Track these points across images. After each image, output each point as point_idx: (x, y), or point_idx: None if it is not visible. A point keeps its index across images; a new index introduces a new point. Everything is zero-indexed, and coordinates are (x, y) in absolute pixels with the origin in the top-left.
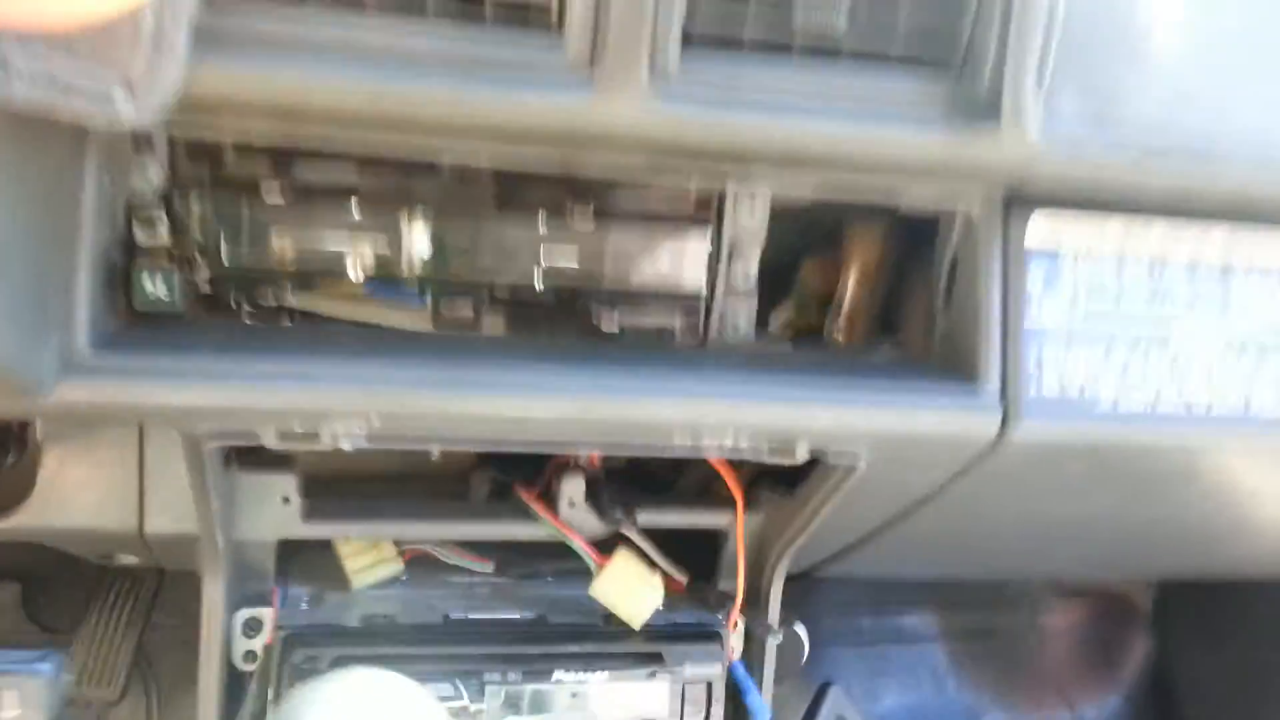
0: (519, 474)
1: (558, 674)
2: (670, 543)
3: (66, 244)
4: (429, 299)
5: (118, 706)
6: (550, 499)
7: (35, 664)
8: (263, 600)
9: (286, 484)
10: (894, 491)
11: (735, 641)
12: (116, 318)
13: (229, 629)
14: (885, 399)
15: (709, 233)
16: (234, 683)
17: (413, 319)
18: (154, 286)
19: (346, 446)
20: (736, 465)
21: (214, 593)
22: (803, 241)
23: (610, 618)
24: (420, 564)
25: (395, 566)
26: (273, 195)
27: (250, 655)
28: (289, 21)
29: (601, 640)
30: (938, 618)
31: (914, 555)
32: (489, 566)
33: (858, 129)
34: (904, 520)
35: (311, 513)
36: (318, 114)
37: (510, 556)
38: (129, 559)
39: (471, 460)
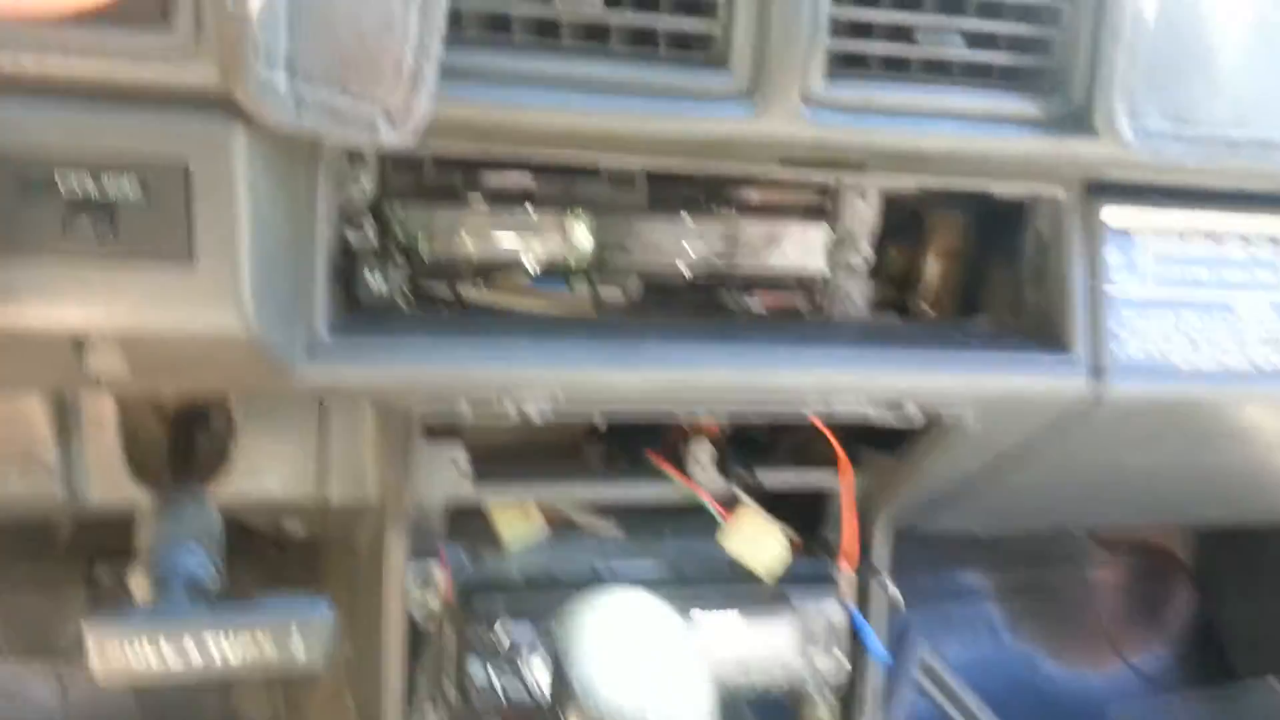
0: (632, 443)
1: (694, 613)
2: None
3: (306, 246)
4: (587, 288)
5: None
6: (677, 463)
7: (310, 607)
8: (429, 560)
9: (458, 451)
10: (989, 449)
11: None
12: (343, 311)
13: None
14: (989, 365)
15: (828, 223)
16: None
17: (576, 306)
18: (375, 282)
19: (535, 417)
20: (837, 429)
21: (397, 552)
22: (884, 227)
23: (735, 568)
24: (558, 528)
25: (541, 529)
26: (466, 201)
27: (425, 608)
28: (503, 57)
29: (732, 585)
30: (991, 575)
31: (997, 509)
32: (619, 527)
33: (969, 137)
34: (993, 476)
35: (477, 478)
36: (521, 133)
37: (631, 520)
38: (299, 530)
39: (581, 433)
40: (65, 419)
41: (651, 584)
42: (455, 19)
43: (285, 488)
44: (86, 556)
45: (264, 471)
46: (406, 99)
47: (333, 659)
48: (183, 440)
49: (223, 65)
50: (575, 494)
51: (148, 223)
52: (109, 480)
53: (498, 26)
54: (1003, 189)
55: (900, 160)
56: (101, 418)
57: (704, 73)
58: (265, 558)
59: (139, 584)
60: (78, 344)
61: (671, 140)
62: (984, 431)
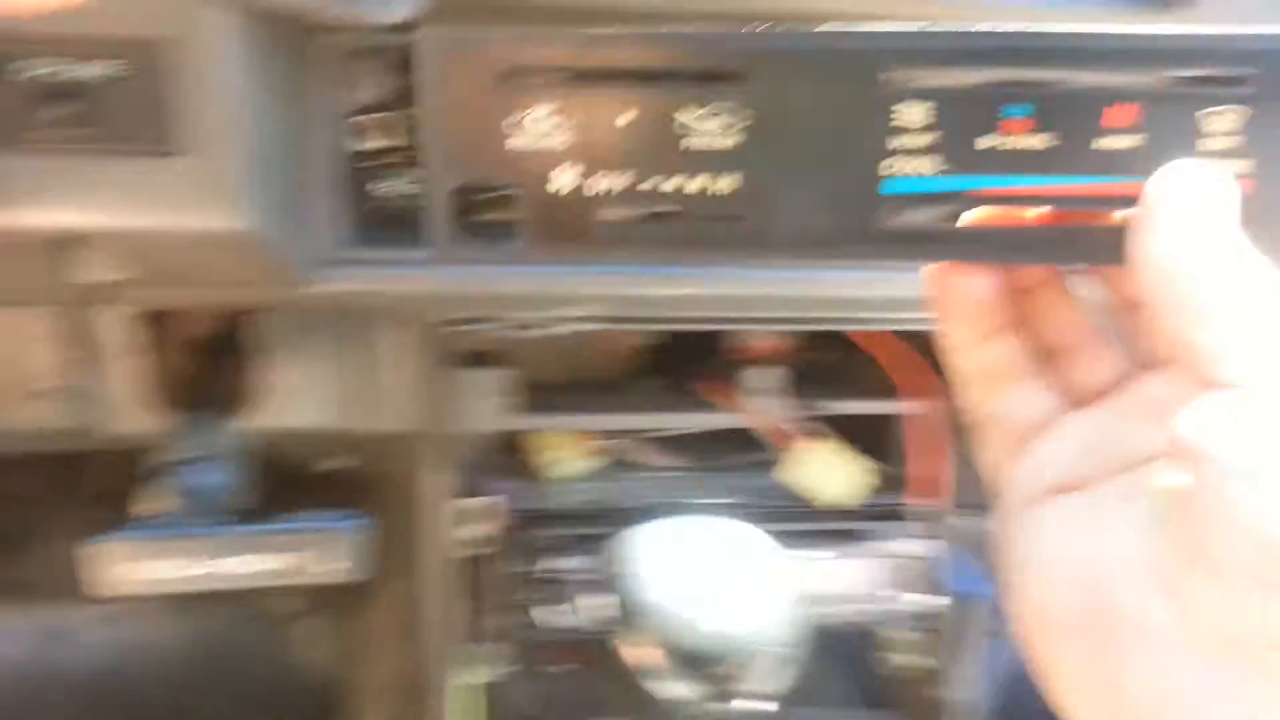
0: (686, 370)
1: (764, 544)
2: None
3: (307, 146)
4: None
5: None
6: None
7: (349, 521)
8: (475, 492)
9: (503, 378)
10: None
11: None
12: (356, 218)
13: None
14: None
15: None
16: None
17: None
18: (387, 186)
19: (573, 329)
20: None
21: (437, 484)
22: None
23: (804, 501)
24: (614, 458)
25: (592, 460)
26: None
27: (467, 542)
28: None
29: (802, 518)
30: None
31: None
32: (683, 461)
33: None
34: None
35: (520, 407)
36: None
37: (690, 451)
38: (334, 463)
39: (633, 360)
40: (80, 342)
41: (714, 515)
42: None
43: (318, 417)
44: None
45: (295, 400)
46: None
47: (376, 582)
48: (208, 368)
49: None
50: (628, 422)
51: (125, 108)
52: (129, 409)
53: None
54: None
55: None
56: (119, 341)
57: None
58: (311, 492)
59: (148, 504)
60: (58, 246)
61: None
62: None
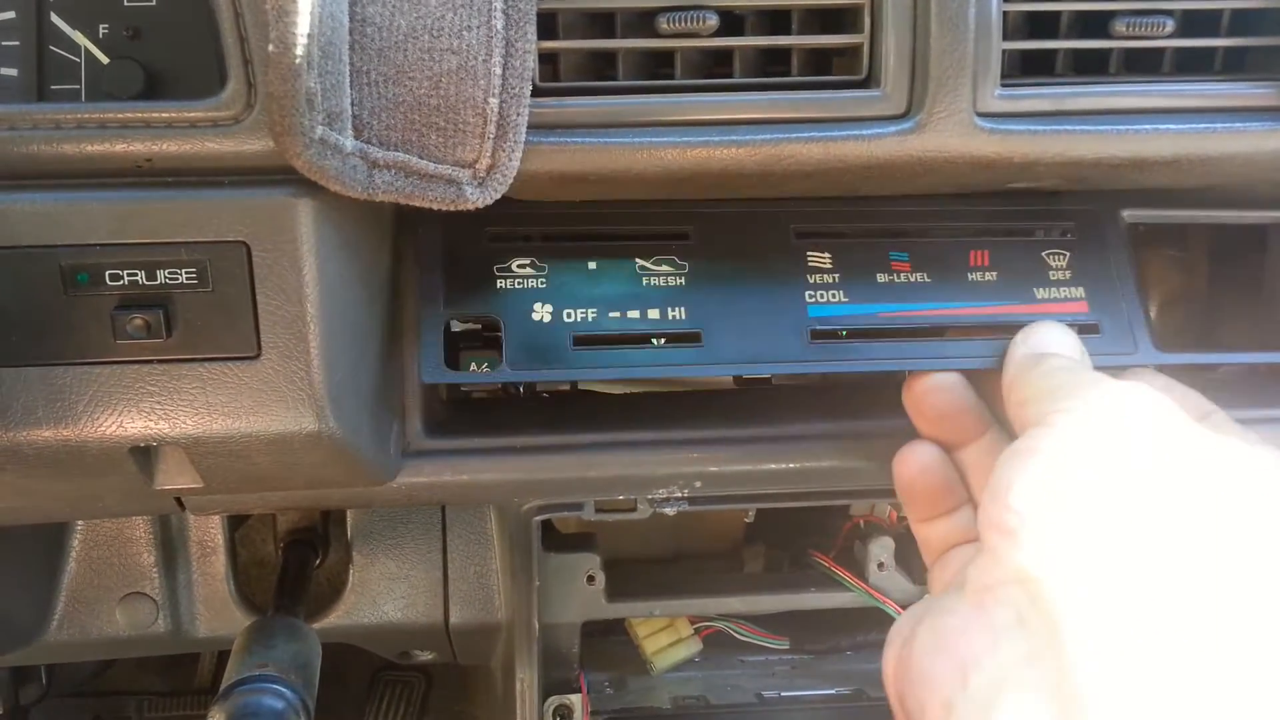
0: (797, 544)
1: None
2: None
3: (393, 331)
4: None
5: None
6: (851, 565)
7: None
8: (568, 687)
9: (591, 563)
10: None
11: None
12: (442, 405)
13: (540, 717)
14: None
15: None
16: None
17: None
18: (478, 368)
19: (669, 511)
20: None
21: (527, 679)
22: None
23: None
24: (715, 643)
25: (693, 646)
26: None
27: None
28: (604, 103)
29: None
30: None
31: None
32: (785, 642)
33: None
34: None
35: (614, 593)
36: (632, 177)
37: (802, 634)
38: (424, 655)
39: (740, 536)
40: (170, 546)
41: (827, 709)
42: (548, 58)
43: (408, 612)
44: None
45: (384, 597)
46: (493, 151)
47: None
48: (294, 566)
49: (272, 126)
50: (731, 605)
51: (206, 315)
52: (216, 612)
53: (599, 64)
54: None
55: (1115, 167)
56: (209, 544)
57: (844, 97)
58: (411, 686)
59: None
60: (141, 455)
61: (816, 169)
62: None
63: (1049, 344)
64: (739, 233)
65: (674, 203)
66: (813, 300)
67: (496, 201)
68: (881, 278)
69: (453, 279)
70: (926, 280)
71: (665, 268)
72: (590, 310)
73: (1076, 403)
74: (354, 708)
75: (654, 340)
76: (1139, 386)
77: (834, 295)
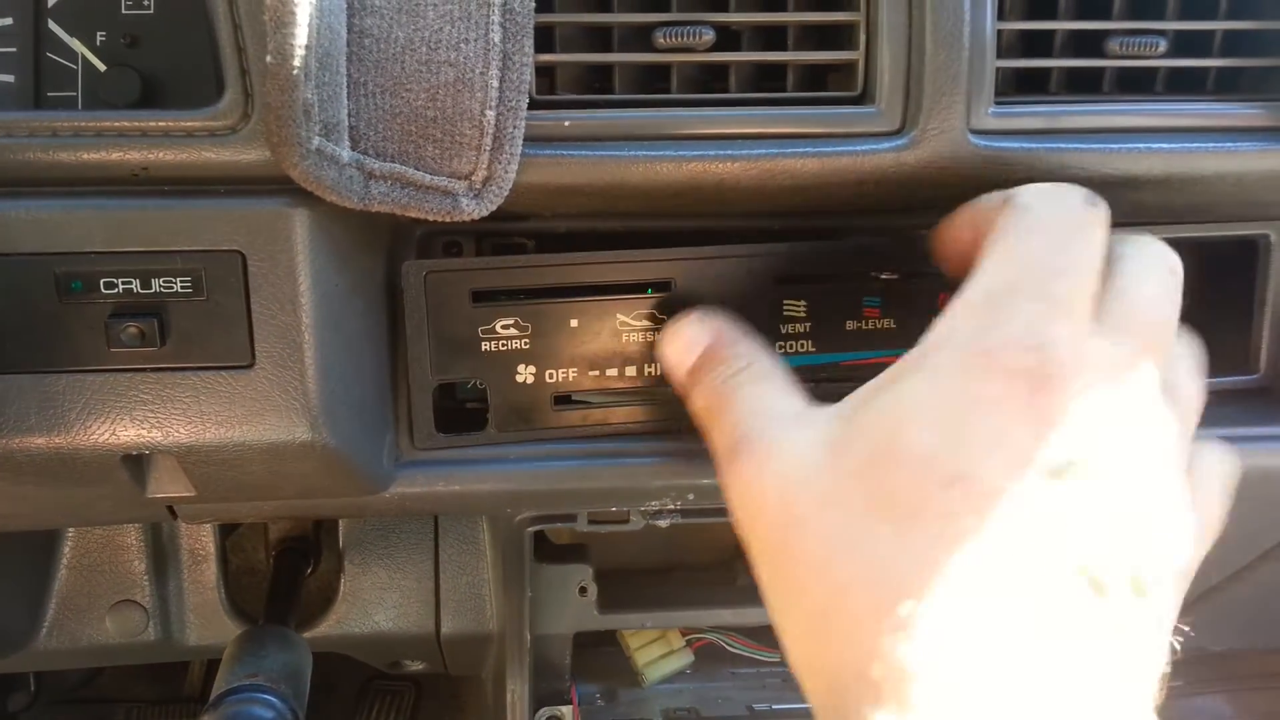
0: None
1: None
2: None
3: (389, 340)
4: None
5: None
6: None
7: None
8: (560, 698)
9: (583, 574)
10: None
11: None
12: (438, 413)
13: None
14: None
15: None
16: None
17: None
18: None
19: (662, 523)
20: None
21: (517, 690)
22: None
23: None
24: (706, 655)
25: (685, 658)
26: None
27: None
28: (602, 113)
29: None
30: (1233, 701)
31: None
32: (777, 655)
33: (1173, 155)
34: (1247, 577)
35: (607, 604)
36: (627, 191)
37: None
38: (414, 665)
39: (733, 548)
40: (161, 554)
41: None
42: (544, 71)
43: (399, 622)
44: None
45: (375, 606)
46: (489, 163)
47: None
48: (285, 575)
49: (269, 136)
50: (723, 618)
51: (201, 324)
52: (207, 620)
53: (595, 78)
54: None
55: (1107, 192)
56: (200, 552)
57: (839, 113)
58: (401, 696)
59: None
60: (134, 463)
61: (811, 184)
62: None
63: None
64: (721, 279)
65: (663, 235)
66: (782, 350)
67: (478, 255)
68: (850, 325)
69: (440, 345)
70: (892, 326)
71: (645, 323)
72: (571, 370)
73: None
74: (343, 717)
75: (632, 397)
76: None
77: (803, 345)
